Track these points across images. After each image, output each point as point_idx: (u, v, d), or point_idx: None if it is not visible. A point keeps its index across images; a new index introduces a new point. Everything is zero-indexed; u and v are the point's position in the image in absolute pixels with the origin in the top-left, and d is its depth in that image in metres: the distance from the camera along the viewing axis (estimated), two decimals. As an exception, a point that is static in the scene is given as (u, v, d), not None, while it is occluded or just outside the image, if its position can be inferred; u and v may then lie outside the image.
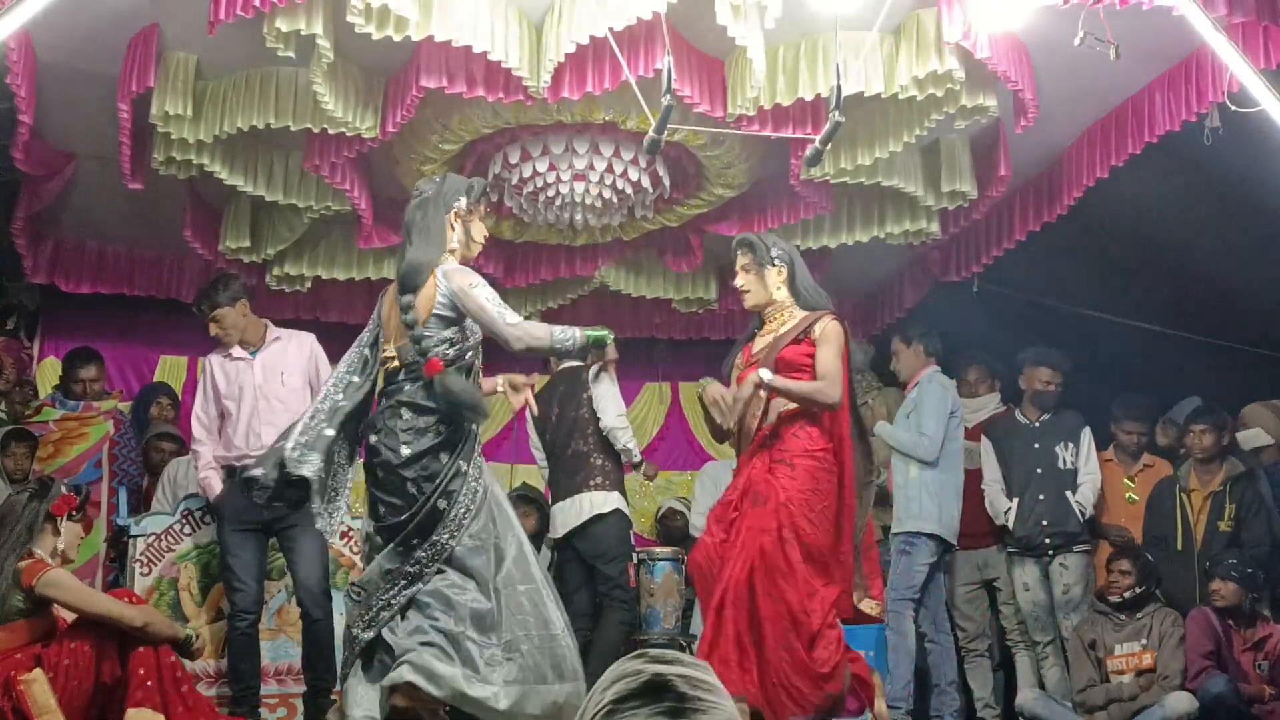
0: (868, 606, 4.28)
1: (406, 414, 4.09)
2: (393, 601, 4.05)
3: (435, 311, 4.12)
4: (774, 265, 4.49)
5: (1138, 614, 5.75)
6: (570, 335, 4.16)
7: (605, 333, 4.24)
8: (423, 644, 3.95)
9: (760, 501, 4.25)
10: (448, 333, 4.13)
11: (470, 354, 4.22)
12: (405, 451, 4.07)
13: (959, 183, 5.71)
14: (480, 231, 4.37)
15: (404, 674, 3.90)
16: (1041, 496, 6.13)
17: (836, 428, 4.37)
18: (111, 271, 6.84)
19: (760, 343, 4.51)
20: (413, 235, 4.28)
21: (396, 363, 4.16)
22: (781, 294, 4.51)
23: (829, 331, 4.36)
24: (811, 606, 4.17)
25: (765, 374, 4.28)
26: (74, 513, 4.59)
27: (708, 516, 4.54)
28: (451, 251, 4.26)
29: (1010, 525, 6.17)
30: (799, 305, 4.50)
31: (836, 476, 4.32)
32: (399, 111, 5.01)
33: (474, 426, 4.18)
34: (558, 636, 4.21)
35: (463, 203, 4.27)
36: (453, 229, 4.27)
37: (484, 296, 4.10)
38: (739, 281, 4.59)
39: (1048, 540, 6.09)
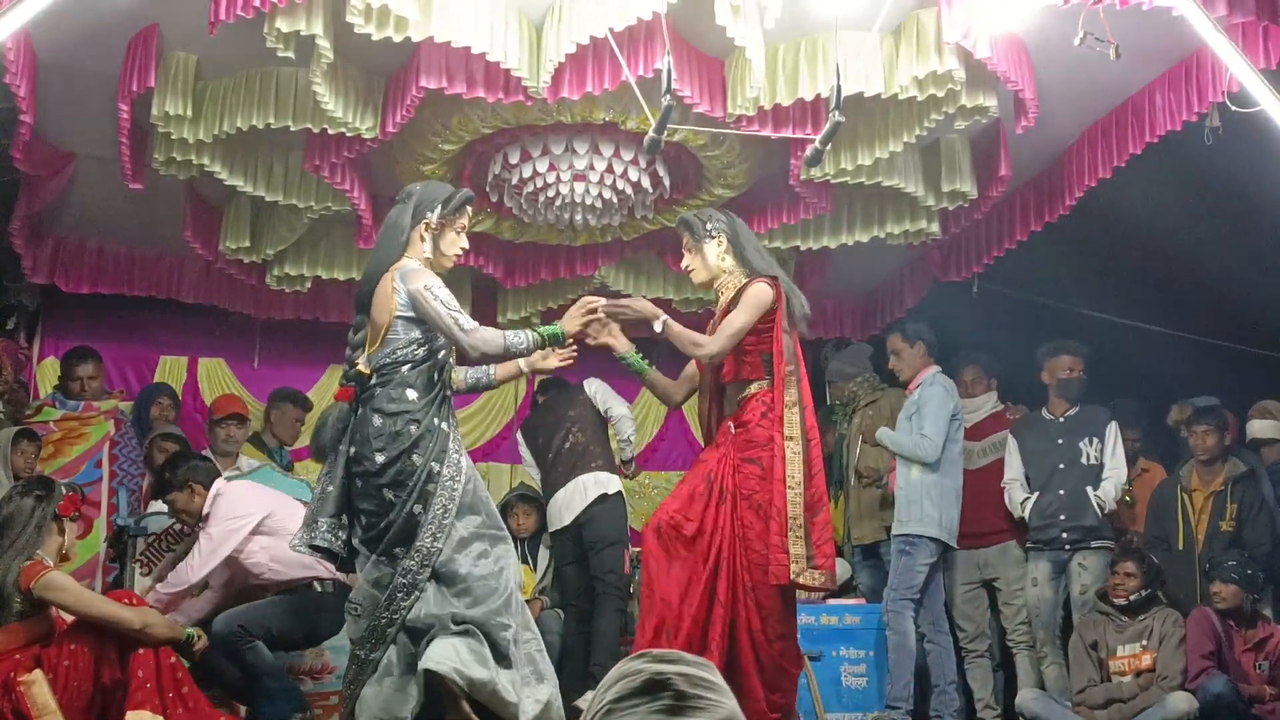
0: (808, 579, 4.22)
1: (377, 420, 4.06)
2: (395, 617, 4.02)
3: (398, 314, 4.09)
4: (711, 238, 4.54)
5: (1140, 615, 5.75)
6: (522, 337, 4.14)
7: (558, 329, 4.23)
8: (454, 635, 3.96)
9: (734, 501, 4.31)
10: (415, 333, 4.10)
11: (442, 352, 4.20)
12: (379, 459, 4.03)
13: (959, 183, 5.71)
14: (454, 245, 4.31)
15: (448, 671, 3.91)
16: (1061, 492, 6.12)
17: (789, 398, 4.36)
18: (111, 271, 6.83)
19: (718, 317, 4.55)
20: (376, 245, 4.33)
21: (367, 369, 4.13)
22: (727, 263, 4.54)
23: (746, 295, 4.40)
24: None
25: (661, 319, 4.38)
26: (76, 512, 4.60)
27: (674, 495, 4.55)
28: (426, 261, 4.23)
29: (1026, 518, 6.16)
30: (747, 275, 4.51)
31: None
32: (399, 112, 5.00)
33: (445, 426, 4.14)
34: (535, 638, 4.26)
35: (434, 215, 4.23)
36: (422, 240, 4.22)
37: (440, 300, 4.04)
38: (684, 263, 4.66)
39: (1065, 535, 6.08)
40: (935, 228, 6.12)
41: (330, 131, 5.16)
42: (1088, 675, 5.77)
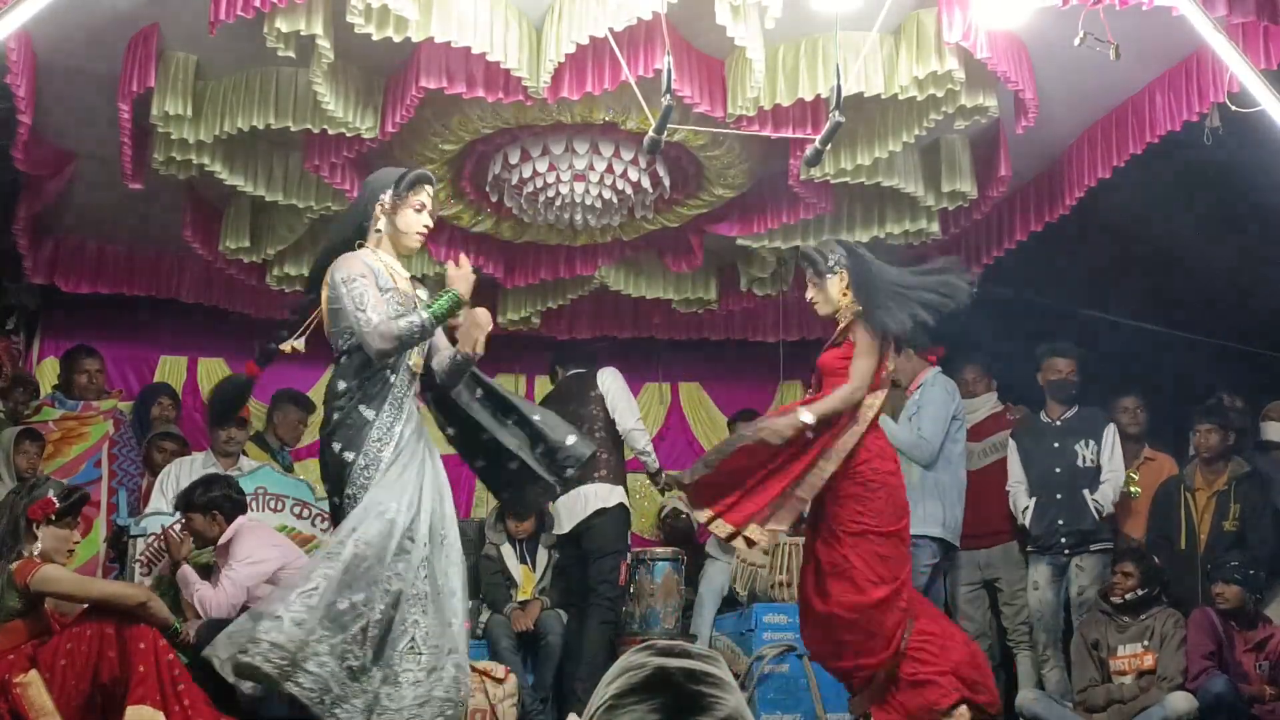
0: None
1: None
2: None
3: (330, 305, 4.09)
4: (834, 274, 4.64)
5: (1141, 615, 5.74)
6: (414, 321, 3.97)
7: (446, 300, 4.05)
8: None
9: None
10: (345, 322, 4.05)
11: None
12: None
13: (959, 183, 5.71)
14: (414, 224, 4.19)
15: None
16: (1058, 496, 6.10)
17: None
18: (111, 271, 6.83)
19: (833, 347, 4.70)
20: (330, 229, 4.39)
21: (288, 349, 4.28)
22: (848, 300, 4.64)
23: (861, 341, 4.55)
24: None
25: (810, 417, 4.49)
26: (53, 517, 4.50)
27: None
28: (389, 237, 4.19)
29: (1027, 524, 6.15)
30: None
31: None
32: (399, 111, 5.01)
33: (371, 414, 4.05)
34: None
35: (388, 196, 4.20)
36: (377, 221, 4.19)
37: (355, 293, 3.96)
38: (808, 295, 4.75)
39: (1064, 540, 6.07)
40: (935, 228, 6.11)
41: (330, 131, 5.16)
42: (1089, 675, 5.76)
